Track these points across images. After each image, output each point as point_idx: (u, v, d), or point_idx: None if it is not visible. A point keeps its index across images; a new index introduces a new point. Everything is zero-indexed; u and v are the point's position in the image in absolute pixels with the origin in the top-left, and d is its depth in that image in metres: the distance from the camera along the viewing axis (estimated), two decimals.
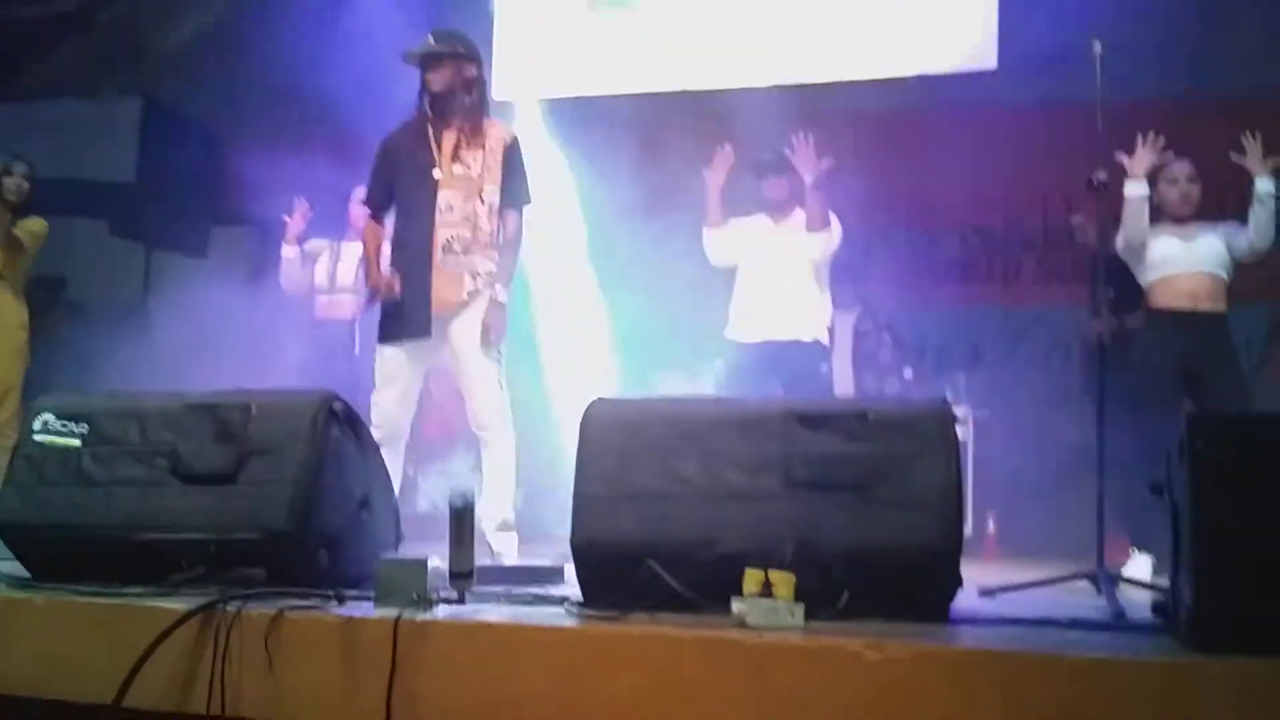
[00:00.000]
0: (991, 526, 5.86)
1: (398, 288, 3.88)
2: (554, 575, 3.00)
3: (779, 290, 4.85)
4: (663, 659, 2.05)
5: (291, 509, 2.47)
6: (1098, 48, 3.51)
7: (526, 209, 4.07)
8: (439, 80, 3.95)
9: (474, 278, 3.91)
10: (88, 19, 7.53)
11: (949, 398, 5.69)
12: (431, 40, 4.00)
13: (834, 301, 5.29)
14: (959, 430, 3.07)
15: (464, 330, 3.90)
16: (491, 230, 3.97)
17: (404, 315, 3.92)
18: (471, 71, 4.00)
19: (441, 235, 3.90)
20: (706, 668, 2.02)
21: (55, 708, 2.28)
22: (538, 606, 2.45)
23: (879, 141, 6.61)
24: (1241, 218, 4.42)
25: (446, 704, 2.12)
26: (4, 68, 7.42)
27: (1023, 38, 6.50)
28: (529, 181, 4.07)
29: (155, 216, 7.05)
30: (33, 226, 5.49)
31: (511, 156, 4.01)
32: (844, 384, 5.77)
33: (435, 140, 3.97)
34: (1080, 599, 3.00)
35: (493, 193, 3.96)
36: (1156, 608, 2.41)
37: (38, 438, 2.67)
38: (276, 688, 2.19)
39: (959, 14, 6.73)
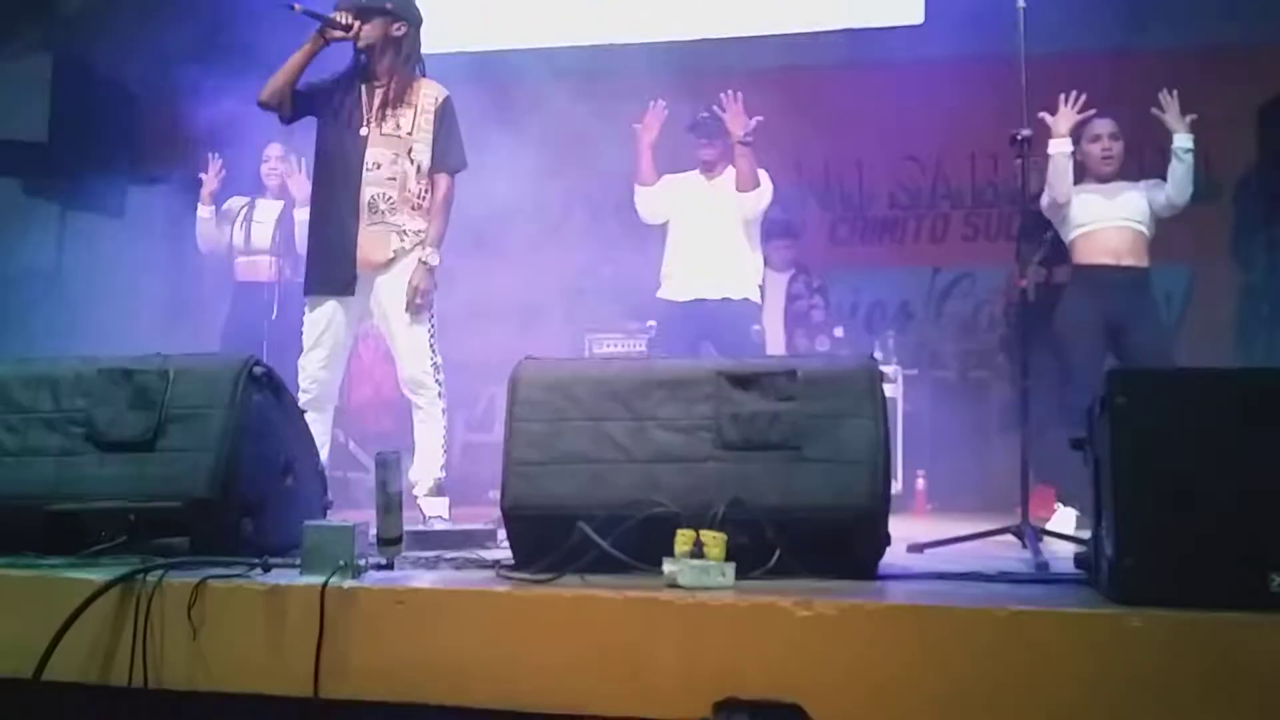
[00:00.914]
0: (921, 483, 5.95)
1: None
2: (487, 538, 2.98)
3: (710, 248, 4.84)
4: (595, 621, 2.05)
5: (213, 476, 2.41)
6: (1021, 2, 3.52)
7: (459, 174, 4.00)
8: (367, 34, 3.86)
9: (401, 236, 3.85)
10: None
11: (879, 356, 5.77)
12: None
13: (768, 263, 5.31)
14: (888, 388, 3.10)
15: (391, 291, 3.84)
16: (420, 191, 3.89)
17: (328, 270, 3.85)
18: (401, 29, 3.91)
19: (367, 193, 3.83)
20: (639, 629, 2.02)
21: None
22: (468, 571, 2.43)
23: (808, 98, 6.60)
24: (1164, 174, 4.50)
25: (376, 670, 2.10)
26: None
27: None
28: (462, 145, 3.99)
29: (69, 175, 6.83)
30: None
31: (444, 117, 3.93)
32: (776, 344, 5.80)
33: (365, 96, 3.89)
34: (1007, 552, 3.06)
35: (422, 152, 3.89)
36: (1079, 561, 2.46)
37: None
38: (201, 658, 2.16)
39: None
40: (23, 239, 6.64)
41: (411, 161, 3.86)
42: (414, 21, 3.97)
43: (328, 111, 3.92)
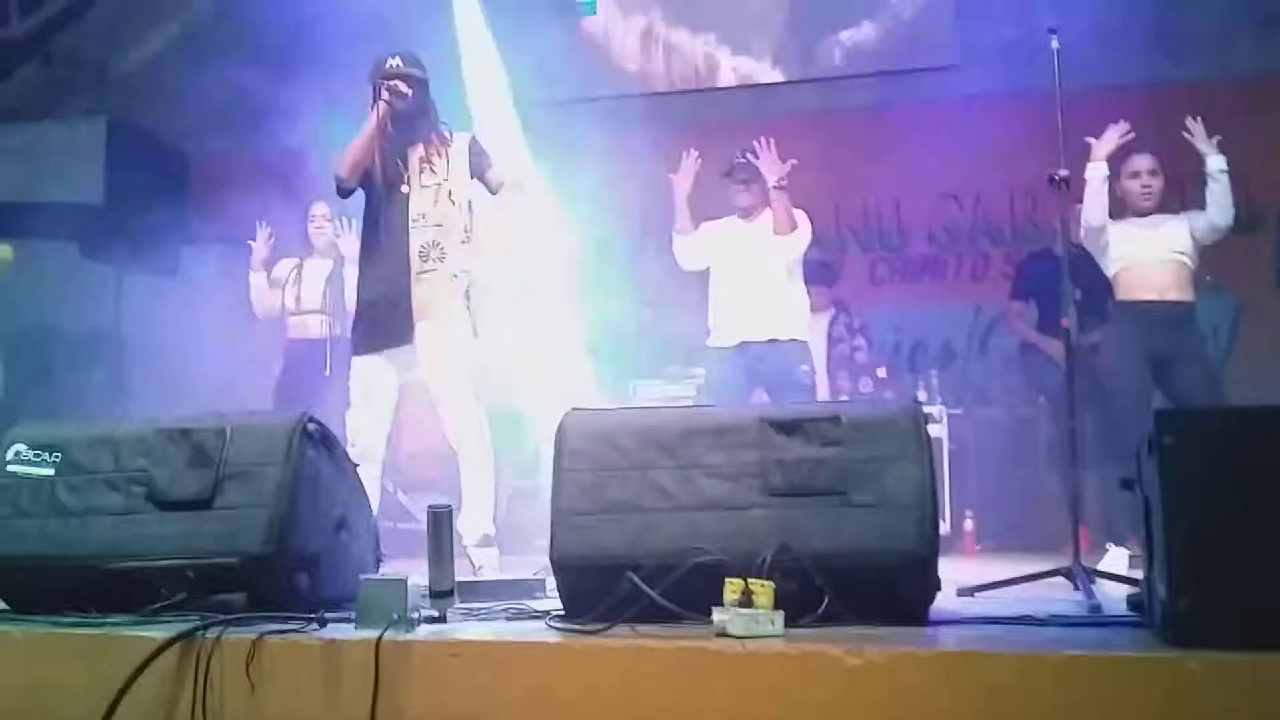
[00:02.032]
0: (969, 524, 5.90)
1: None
2: (536, 588, 3.00)
3: (753, 292, 4.87)
4: (646, 671, 2.06)
5: (269, 532, 2.46)
6: (1055, 43, 3.54)
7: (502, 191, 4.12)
8: (408, 100, 3.98)
9: (453, 278, 3.95)
10: (44, 43, 7.48)
11: (923, 396, 5.75)
12: (400, 62, 4.03)
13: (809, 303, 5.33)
14: (932, 429, 3.11)
15: (436, 343, 3.91)
16: (465, 226, 4.01)
17: (384, 324, 3.94)
18: (428, 96, 4.07)
19: (415, 244, 3.93)
20: (689, 679, 2.03)
21: None
22: (519, 622, 2.45)
23: (846, 141, 6.65)
24: (1203, 206, 4.48)
25: None
26: None
27: (981, 31, 6.59)
28: (496, 167, 4.11)
29: (125, 237, 7.00)
30: None
31: (474, 152, 4.08)
32: (820, 387, 5.80)
33: (401, 158, 4.01)
34: (1058, 594, 3.03)
35: (461, 191, 4.01)
36: (1133, 603, 2.44)
37: (11, 468, 2.65)
38: (259, 713, 2.19)
39: (919, 10, 6.83)
40: (80, 301, 6.80)
41: (453, 203, 3.97)
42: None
43: (373, 177, 4.04)
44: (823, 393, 5.81)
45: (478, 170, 4.08)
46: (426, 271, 3.93)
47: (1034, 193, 6.59)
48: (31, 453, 2.65)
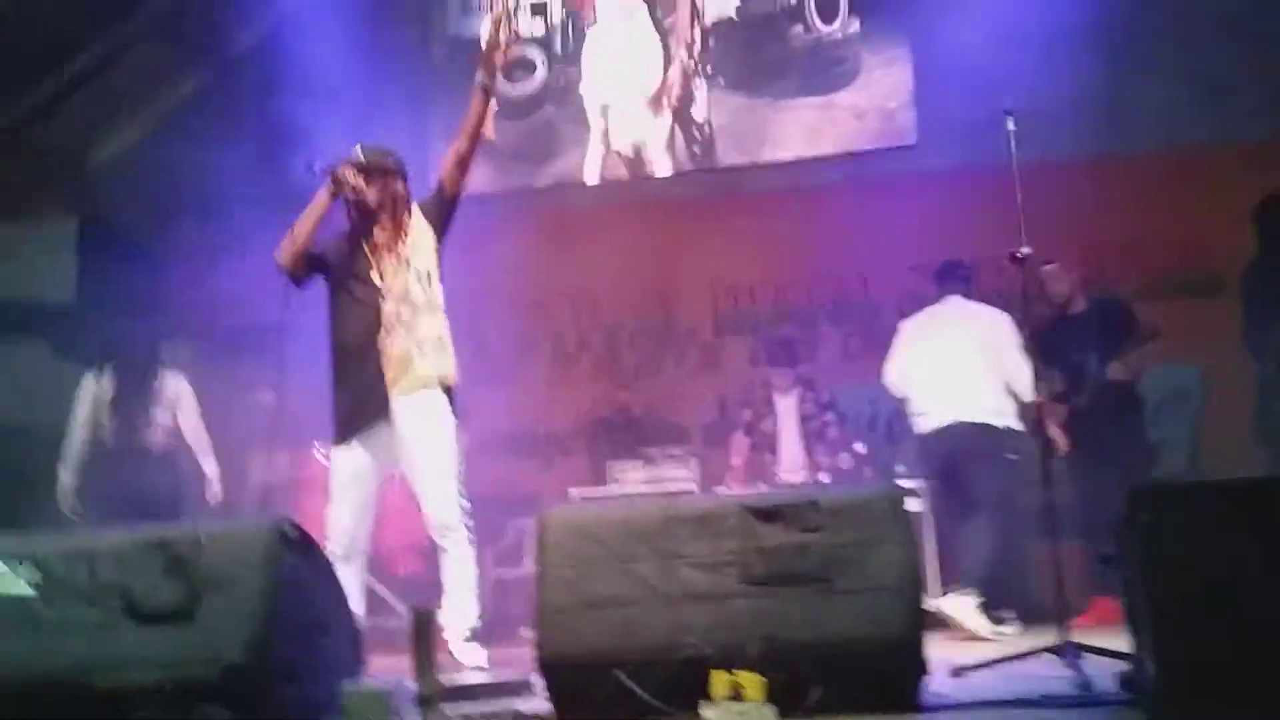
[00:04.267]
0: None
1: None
2: (522, 689, 2.95)
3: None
4: None
5: (249, 642, 2.42)
6: (1010, 124, 3.61)
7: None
8: (373, 195, 3.97)
9: (420, 346, 3.91)
10: (14, 138, 7.51)
11: (901, 469, 5.76)
12: (360, 154, 4.02)
13: (774, 387, 5.44)
14: (914, 503, 3.11)
15: (414, 424, 3.88)
16: (424, 291, 3.97)
17: (360, 405, 3.89)
18: (399, 186, 4.03)
19: (383, 320, 3.91)
20: None
21: None
22: None
23: (813, 218, 6.74)
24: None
25: None
26: None
27: (938, 111, 6.75)
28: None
29: (97, 335, 6.96)
30: None
31: (425, 206, 4.04)
32: (795, 467, 5.84)
33: (367, 248, 3.99)
34: (1049, 669, 3.02)
35: (421, 260, 3.98)
36: (1124, 680, 2.43)
37: None
38: None
39: (877, 94, 7.01)
40: (53, 401, 6.73)
41: (410, 268, 3.95)
42: (406, 175, 4.10)
43: (337, 269, 4.01)
44: (804, 473, 5.83)
45: (438, 214, 4.03)
46: (394, 344, 3.90)
47: (999, 263, 6.68)
48: (5, 567, 2.61)
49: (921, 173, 6.59)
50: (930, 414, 5.03)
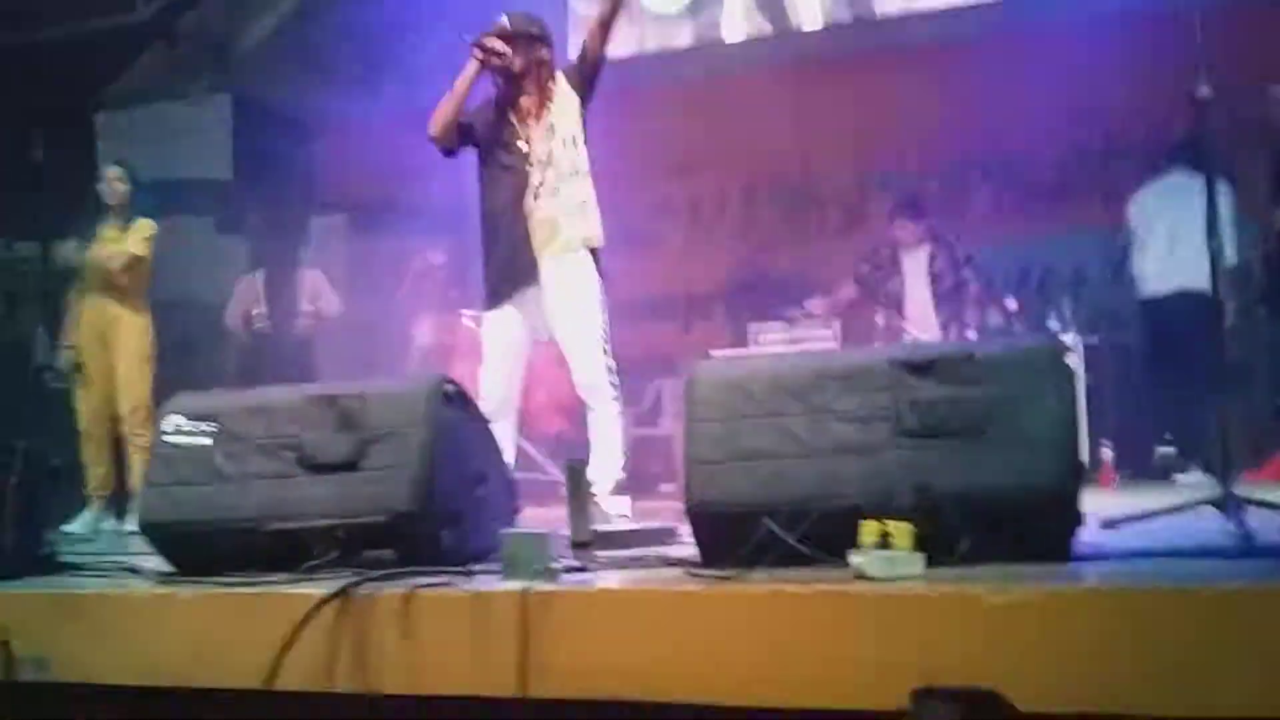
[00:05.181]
0: (1108, 454, 5.74)
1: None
2: (668, 536, 3.04)
3: None
4: (786, 616, 2.07)
5: (414, 490, 2.54)
6: None
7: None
8: (520, 63, 3.99)
9: (566, 210, 3.97)
10: (167, 25, 7.75)
11: (1055, 325, 5.59)
12: (506, 21, 4.04)
13: (899, 243, 5.28)
14: (1069, 359, 3.00)
15: (561, 287, 3.96)
16: (570, 156, 4.00)
17: (509, 268, 3.99)
18: (544, 53, 4.04)
19: (530, 186, 3.97)
20: (831, 622, 2.04)
21: (206, 694, 2.40)
22: (657, 570, 2.49)
23: (967, 71, 6.44)
24: None
25: (576, 670, 2.18)
26: (95, 78, 7.67)
27: None
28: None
29: (256, 210, 7.25)
30: (142, 231, 5.67)
31: (570, 73, 4.07)
32: (925, 325, 5.70)
33: (513, 115, 4.03)
34: (1208, 523, 2.94)
35: (566, 125, 4.00)
36: None
37: (169, 439, 2.80)
38: (413, 663, 2.28)
39: None
40: (215, 275, 7.07)
41: (554, 132, 3.98)
42: (552, 43, 4.10)
43: (485, 138, 4.07)
44: (934, 332, 5.70)
45: (582, 80, 4.05)
46: (540, 210, 3.97)
47: (1170, 113, 6.29)
48: (189, 423, 2.79)
49: (1090, 14, 6.19)
50: (1155, 279, 4.99)
